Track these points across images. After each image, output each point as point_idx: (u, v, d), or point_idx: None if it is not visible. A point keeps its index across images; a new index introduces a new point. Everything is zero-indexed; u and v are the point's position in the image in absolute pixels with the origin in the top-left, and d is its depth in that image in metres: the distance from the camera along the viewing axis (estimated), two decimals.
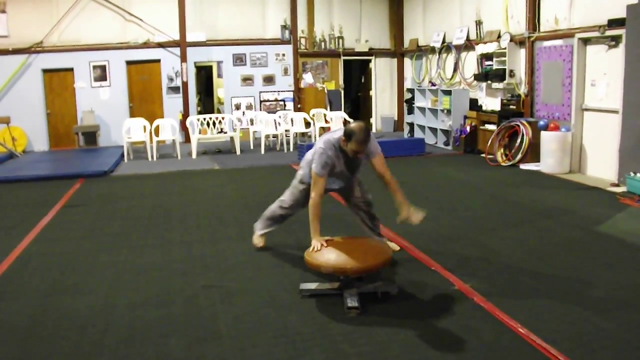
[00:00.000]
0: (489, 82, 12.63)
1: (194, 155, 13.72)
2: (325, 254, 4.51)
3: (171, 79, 16.72)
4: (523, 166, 10.78)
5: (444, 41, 14.89)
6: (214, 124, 14.56)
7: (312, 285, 4.85)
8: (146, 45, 16.45)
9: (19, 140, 15.76)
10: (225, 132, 14.57)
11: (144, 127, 14.13)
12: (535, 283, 4.97)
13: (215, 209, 8.33)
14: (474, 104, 13.40)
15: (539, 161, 10.57)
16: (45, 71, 16.22)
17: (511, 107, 12.04)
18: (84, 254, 6.36)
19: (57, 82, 16.40)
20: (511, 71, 11.89)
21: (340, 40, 17.42)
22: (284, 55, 17.25)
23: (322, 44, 17.42)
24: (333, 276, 4.72)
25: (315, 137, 14.83)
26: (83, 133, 15.84)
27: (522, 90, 11.76)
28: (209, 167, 12.26)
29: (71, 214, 8.37)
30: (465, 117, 13.25)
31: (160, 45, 16.48)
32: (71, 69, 16.28)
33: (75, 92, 16.39)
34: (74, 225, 7.73)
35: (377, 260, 4.49)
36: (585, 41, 10.10)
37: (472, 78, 13.47)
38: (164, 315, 4.56)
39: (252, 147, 14.89)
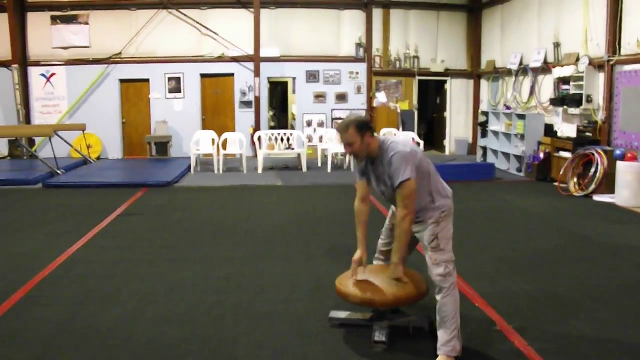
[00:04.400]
0: (565, 107, 11.99)
1: (259, 170, 13.67)
2: (355, 283, 4.20)
3: (244, 93, 16.81)
4: (596, 197, 10.07)
5: (521, 63, 14.31)
6: (282, 139, 14.49)
7: (343, 314, 4.55)
8: (220, 59, 16.65)
9: (94, 147, 16.24)
10: (293, 148, 14.45)
11: (212, 140, 14.21)
12: (588, 329, 4.47)
13: (266, 226, 8.16)
14: (548, 130, 12.75)
15: (613, 192, 9.86)
16: (122, 81, 16.73)
17: (587, 134, 11.38)
18: (125, 263, 6.34)
19: (133, 92, 16.82)
20: (588, 96, 11.24)
21: (416, 60, 17.09)
22: (357, 73, 17.07)
23: (397, 62, 17.14)
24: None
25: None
26: (155, 143, 16.14)
27: (600, 116, 11.09)
28: (272, 183, 12.16)
29: (125, 223, 8.44)
30: (539, 143, 12.63)
31: (234, 59, 16.62)
32: (147, 80, 16.68)
33: (149, 102, 16.73)
34: (124, 234, 7.76)
35: (410, 294, 4.11)
36: None
37: (548, 102, 12.84)
38: (186, 334, 4.39)
39: (319, 164, 14.72)
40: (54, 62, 16.53)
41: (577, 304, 5.01)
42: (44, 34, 16.46)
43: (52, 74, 16.53)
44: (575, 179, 10.74)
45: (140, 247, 7.06)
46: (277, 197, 10.65)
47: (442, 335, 3.88)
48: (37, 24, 16.46)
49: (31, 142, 16.37)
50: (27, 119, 16.40)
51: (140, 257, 6.59)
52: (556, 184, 11.21)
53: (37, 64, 16.50)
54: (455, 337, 3.87)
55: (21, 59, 16.21)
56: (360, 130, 3.83)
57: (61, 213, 9.23)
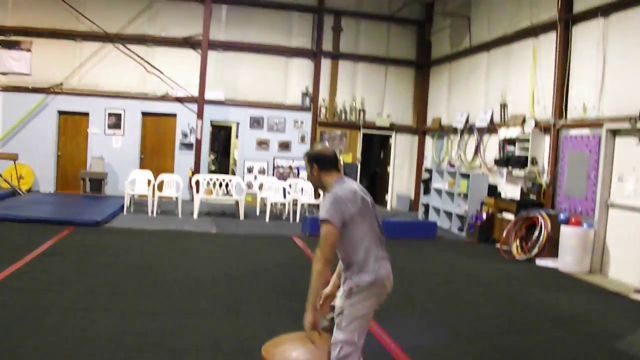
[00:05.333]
0: (510, 168, 11.99)
1: (195, 216, 13.13)
2: (283, 353, 3.73)
3: (185, 135, 16.36)
4: (539, 262, 9.93)
5: (467, 122, 14.36)
6: (220, 185, 14.03)
7: None
8: (164, 98, 16.21)
9: (26, 178, 15.46)
10: (231, 195, 13.98)
11: (149, 181, 13.65)
12: None
13: (195, 277, 7.65)
14: (492, 190, 12.70)
15: (556, 257, 9.74)
16: (60, 113, 16.04)
17: (531, 196, 11.34)
18: (33, 311, 5.72)
19: (72, 125, 16.16)
20: (533, 159, 11.25)
21: (362, 113, 17.03)
22: (302, 122, 16.87)
23: (343, 114, 17.03)
24: None
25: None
26: (90, 179, 15.43)
27: (544, 179, 11.07)
28: (207, 230, 11.63)
29: (44, 263, 7.83)
30: (482, 203, 12.55)
31: (178, 99, 16.21)
32: (87, 114, 16.03)
33: (88, 137, 16.06)
34: (41, 276, 7.15)
35: None
36: (615, 132, 9.46)
37: (493, 163, 12.82)
38: None
39: (258, 213, 14.27)
40: None
41: None
42: None
43: None
44: (517, 242, 10.61)
45: (55, 293, 6.45)
46: (210, 246, 10.13)
47: None
48: None
49: None
50: None
51: (53, 304, 5.98)
52: (498, 246, 11.06)
53: None
54: None
55: None
56: (310, 161, 3.79)
57: None
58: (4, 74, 15.75)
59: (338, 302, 3.58)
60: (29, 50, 15.84)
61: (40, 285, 6.74)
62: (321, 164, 3.76)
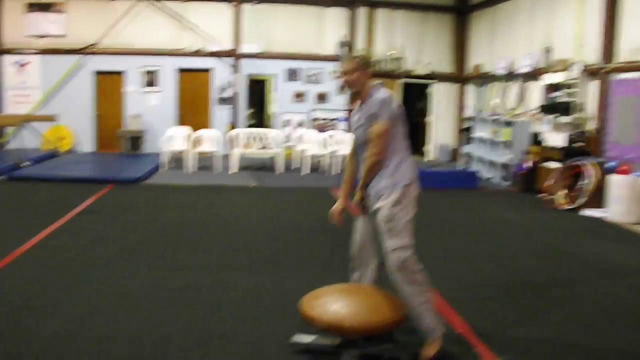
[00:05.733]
0: (555, 115, 11.54)
1: (233, 170, 13.08)
2: (323, 305, 3.66)
3: (222, 90, 16.22)
4: (586, 212, 9.59)
5: (509, 68, 13.85)
6: (259, 139, 13.91)
7: (308, 338, 3.99)
8: (199, 53, 16.03)
9: (66, 139, 15.65)
10: (269, 149, 13.86)
11: (186, 137, 13.62)
12: None
13: (232, 231, 7.60)
14: (536, 138, 12.28)
15: (604, 207, 9.39)
16: (97, 73, 16.04)
17: (578, 144, 10.91)
18: (76, 267, 5.76)
19: (108, 85, 16.18)
20: (580, 105, 10.79)
21: (400, 62, 16.59)
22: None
23: (381, 63, 16.61)
24: None
25: None
26: (128, 137, 15.52)
27: (592, 126, 10.62)
28: (245, 184, 11.59)
29: (84, 221, 7.90)
30: (526, 152, 12.16)
31: (214, 54, 16.03)
32: (123, 72, 16.03)
33: (124, 95, 16.08)
34: (81, 233, 7.19)
35: (385, 320, 3.58)
36: None
37: (537, 110, 12.37)
38: (125, 356, 3.80)
39: (297, 166, 14.15)
40: (28, 51, 15.84)
41: (569, 334, 4.50)
42: (18, 21, 15.80)
43: (26, 63, 15.86)
44: (563, 192, 10.26)
45: (95, 250, 6.47)
46: (249, 200, 10.08)
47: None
48: (12, 11, 15.79)
49: (0, 132, 15.76)
50: None
51: (92, 261, 5.99)
52: (543, 195, 10.73)
53: (11, 52, 15.83)
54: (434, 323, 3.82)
55: None
56: (364, 65, 3.93)
57: (20, 208, 8.75)
58: (39, 37, 15.80)
59: (385, 210, 3.80)
60: (63, 11, 15.82)
61: (79, 242, 6.77)
62: (369, 70, 3.97)
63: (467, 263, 6.46)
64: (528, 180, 11.72)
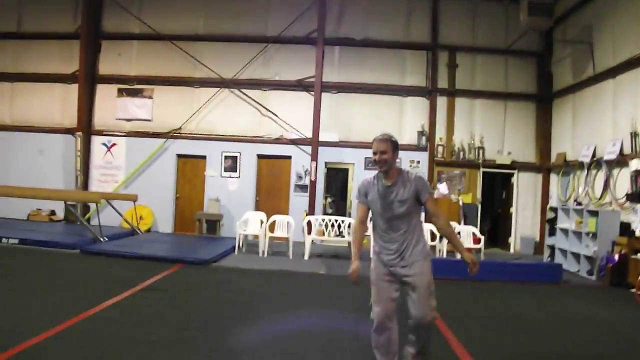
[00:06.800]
0: None
1: (306, 257, 12.89)
2: None
3: (300, 177, 16.35)
4: None
5: (594, 155, 13.27)
6: (332, 226, 13.75)
7: None
8: (279, 140, 16.33)
9: (146, 219, 16.06)
10: (344, 237, 13.63)
11: (261, 222, 13.64)
12: None
13: (291, 317, 7.26)
14: (625, 229, 11.51)
15: None
16: (179, 156, 16.61)
17: None
18: (123, 342, 5.67)
19: (190, 168, 16.65)
20: None
21: (481, 151, 16.28)
22: (418, 162, 16.36)
23: (461, 153, 16.36)
24: None
25: (441, 252, 13.51)
26: (206, 220, 15.76)
27: None
28: (314, 271, 11.30)
29: (144, 298, 7.86)
30: (614, 243, 11.41)
31: (293, 142, 16.28)
32: (204, 157, 16.49)
33: (205, 179, 16.47)
34: (137, 309, 7.15)
35: None
36: None
37: (625, 198, 11.65)
38: None
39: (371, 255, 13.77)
40: (116, 133, 16.70)
41: None
42: (109, 105, 16.82)
43: (113, 144, 16.71)
44: None
45: (147, 326, 6.35)
46: (316, 287, 9.72)
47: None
48: (105, 95, 16.87)
49: (87, 208, 16.40)
50: (85, 186, 16.57)
51: (142, 338, 5.86)
52: (634, 290, 9.89)
53: (100, 133, 16.79)
54: None
55: (86, 127, 16.58)
56: (394, 147, 4.66)
57: (85, 280, 8.86)
58: (128, 120, 16.64)
59: (424, 275, 4.58)
60: (150, 97, 16.69)
61: (133, 318, 6.70)
62: (398, 152, 4.71)
63: None
64: (617, 274, 10.94)
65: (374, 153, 4.63)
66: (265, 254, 12.97)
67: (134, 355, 5.28)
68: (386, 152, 4.56)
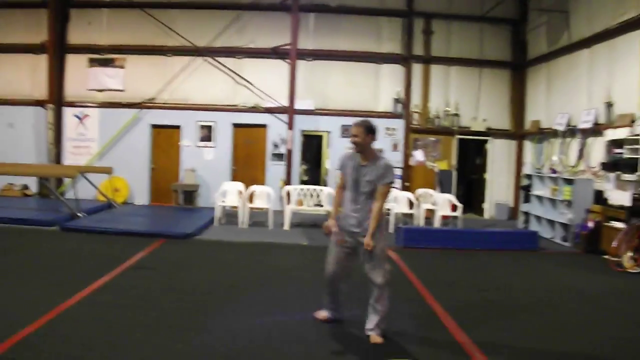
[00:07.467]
0: (619, 172, 11.07)
1: (286, 227, 12.94)
2: None
3: (276, 146, 16.29)
4: None
5: (568, 124, 13.47)
6: (312, 195, 13.80)
7: None
8: (254, 109, 16.19)
9: (122, 191, 15.92)
10: (322, 206, 13.70)
11: (240, 192, 13.61)
12: None
13: (281, 294, 7.31)
14: (599, 197, 11.78)
15: None
16: (153, 126, 16.39)
17: None
18: (118, 326, 5.62)
19: (164, 138, 16.46)
20: None
21: (456, 118, 16.39)
22: (394, 129, 16.41)
23: (437, 120, 16.44)
24: None
25: (420, 220, 13.67)
26: (182, 191, 15.64)
27: None
28: (296, 242, 11.35)
29: (132, 278, 7.78)
30: (589, 211, 11.67)
31: (268, 110, 16.15)
32: (178, 127, 16.30)
33: (180, 149, 16.30)
34: (127, 290, 7.07)
35: None
36: None
37: (599, 167, 11.90)
38: None
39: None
40: (88, 104, 16.36)
41: None
42: (81, 75, 16.44)
43: (86, 115, 16.40)
44: (630, 253, 9.73)
45: (140, 308, 6.31)
46: (300, 259, 9.79)
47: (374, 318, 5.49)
48: (75, 65, 16.46)
49: (60, 181, 16.19)
50: (58, 159, 16.25)
51: (136, 321, 5.84)
52: (608, 257, 10.19)
53: (72, 104, 16.44)
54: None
55: (57, 99, 16.19)
56: (368, 130, 5.38)
57: (69, 260, 8.71)
58: (100, 90, 16.32)
59: (375, 243, 5.30)
60: (122, 67, 16.36)
61: (125, 300, 6.65)
62: (374, 135, 5.41)
63: (528, 331, 6.04)
64: (591, 241, 11.23)
65: (350, 136, 5.44)
66: (245, 225, 12.97)
67: (134, 340, 5.27)
68: (357, 135, 5.32)
